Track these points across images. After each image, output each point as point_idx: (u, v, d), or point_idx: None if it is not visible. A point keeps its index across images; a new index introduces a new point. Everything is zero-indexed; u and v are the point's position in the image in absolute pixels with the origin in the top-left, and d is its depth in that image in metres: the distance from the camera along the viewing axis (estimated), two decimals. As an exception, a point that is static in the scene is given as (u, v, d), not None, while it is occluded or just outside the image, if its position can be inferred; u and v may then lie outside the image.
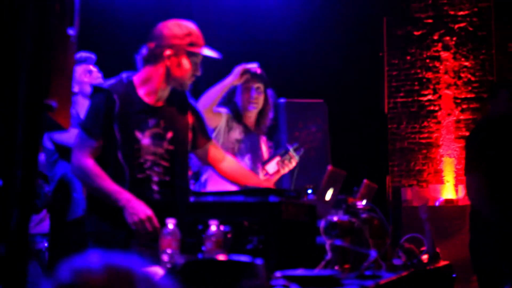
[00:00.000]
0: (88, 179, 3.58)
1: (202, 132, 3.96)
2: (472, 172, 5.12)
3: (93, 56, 5.17)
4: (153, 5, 8.06)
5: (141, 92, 3.74)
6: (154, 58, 3.74)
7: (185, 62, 3.72)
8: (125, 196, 3.50)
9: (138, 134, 3.65)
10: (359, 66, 8.80)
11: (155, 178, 3.67)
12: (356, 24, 8.89)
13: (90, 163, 3.58)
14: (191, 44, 3.72)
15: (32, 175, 2.36)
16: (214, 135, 4.71)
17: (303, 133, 4.69)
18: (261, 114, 4.92)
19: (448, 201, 8.45)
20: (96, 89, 3.70)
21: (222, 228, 2.78)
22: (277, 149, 4.70)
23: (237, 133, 4.83)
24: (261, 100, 4.87)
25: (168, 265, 2.64)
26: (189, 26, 3.77)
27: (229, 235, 2.79)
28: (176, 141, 3.77)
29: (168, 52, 3.70)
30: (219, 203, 3.03)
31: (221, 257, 2.52)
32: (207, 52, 3.75)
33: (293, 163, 4.47)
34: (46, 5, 2.63)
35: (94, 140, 3.60)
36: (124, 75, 3.78)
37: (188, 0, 8.58)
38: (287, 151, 4.44)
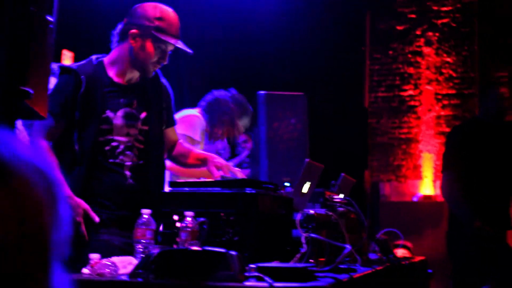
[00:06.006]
0: None
1: (168, 115, 3.88)
2: (448, 169, 5.17)
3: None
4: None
5: (111, 73, 3.66)
6: (123, 36, 3.66)
7: (149, 46, 3.59)
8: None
9: (110, 114, 3.57)
10: (341, 60, 8.81)
11: (128, 163, 3.60)
12: (339, 17, 8.89)
13: (44, 145, 3.46)
14: (159, 29, 3.58)
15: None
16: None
17: (282, 124, 4.69)
18: None
19: (426, 197, 8.49)
20: (63, 69, 3.59)
21: (197, 219, 2.78)
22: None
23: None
24: None
25: (142, 255, 2.64)
26: (166, 11, 3.64)
27: (204, 226, 2.79)
28: (150, 121, 3.70)
29: (134, 31, 3.60)
30: (195, 193, 3.02)
31: (196, 248, 2.52)
32: (174, 42, 3.61)
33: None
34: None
35: (52, 120, 3.47)
36: (93, 57, 3.70)
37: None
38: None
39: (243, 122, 5.34)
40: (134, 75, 3.70)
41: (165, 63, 3.68)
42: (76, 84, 3.52)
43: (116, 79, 3.67)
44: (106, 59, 3.70)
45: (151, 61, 3.63)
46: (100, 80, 3.61)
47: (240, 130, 5.33)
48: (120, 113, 3.61)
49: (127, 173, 3.60)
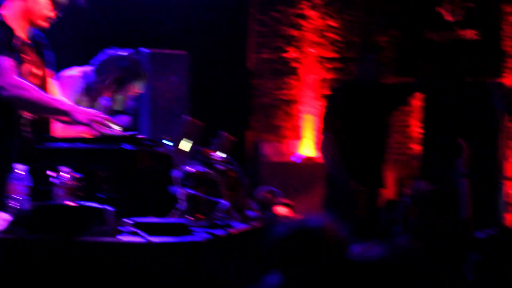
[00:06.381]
0: (33, 94, 3.33)
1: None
2: (327, 131, 5.29)
3: None
4: None
5: (14, 28, 3.52)
6: None
7: None
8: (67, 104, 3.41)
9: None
10: (225, 20, 8.79)
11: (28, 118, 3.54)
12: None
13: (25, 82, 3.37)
14: None
15: None
16: None
17: (164, 83, 4.69)
18: None
19: (307, 158, 8.63)
20: None
21: (74, 175, 2.75)
22: None
23: None
24: None
25: (16, 211, 2.60)
26: None
27: (81, 183, 2.76)
28: (45, 80, 3.67)
29: None
30: (72, 149, 2.99)
31: (70, 203, 2.51)
32: None
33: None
34: None
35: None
36: None
37: None
38: None
39: (136, 85, 5.02)
40: (31, 32, 3.62)
41: (60, 15, 3.61)
42: (9, 33, 3.43)
43: (18, 35, 3.54)
44: (5, 13, 3.54)
45: (45, 13, 3.55)
46: (10, 34, 3.48)
47: (131, 92, 4.97)
48: (23, 69, 3.51)
49: (27, 128, 3.54)
